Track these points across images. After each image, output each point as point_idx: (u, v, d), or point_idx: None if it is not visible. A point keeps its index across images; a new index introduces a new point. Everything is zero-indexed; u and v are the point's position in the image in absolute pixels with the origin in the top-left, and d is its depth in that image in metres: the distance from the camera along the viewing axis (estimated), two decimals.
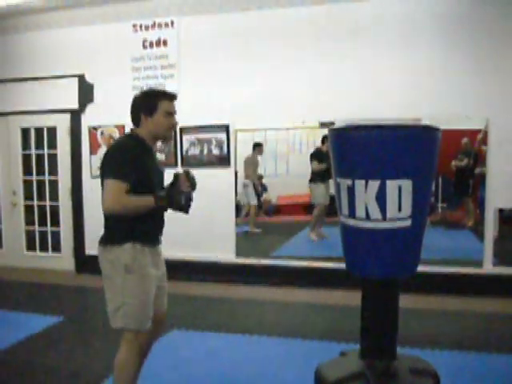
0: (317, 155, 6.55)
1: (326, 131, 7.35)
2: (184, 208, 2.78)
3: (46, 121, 7.04)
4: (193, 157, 6.40)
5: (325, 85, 5.91)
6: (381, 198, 2.41)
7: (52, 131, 7.08)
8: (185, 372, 3.70)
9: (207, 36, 6.26)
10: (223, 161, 6.30)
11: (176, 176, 2.77)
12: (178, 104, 6.61)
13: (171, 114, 2.78)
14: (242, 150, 6.52)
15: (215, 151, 6.33)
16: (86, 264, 6.97)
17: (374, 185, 2.40)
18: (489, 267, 5.65)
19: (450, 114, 5.50)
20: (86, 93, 6.77)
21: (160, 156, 6.49)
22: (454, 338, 4.32)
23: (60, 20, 6.73)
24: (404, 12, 5.69)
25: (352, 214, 2.51)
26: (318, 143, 6.65)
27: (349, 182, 2.49)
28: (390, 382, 2.57)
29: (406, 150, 2.42)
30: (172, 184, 2.78)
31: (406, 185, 2.40)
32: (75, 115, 6.86)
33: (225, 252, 6.37)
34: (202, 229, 6.27)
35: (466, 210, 6.51)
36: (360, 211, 2.47)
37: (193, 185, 2.82)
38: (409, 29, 5.65)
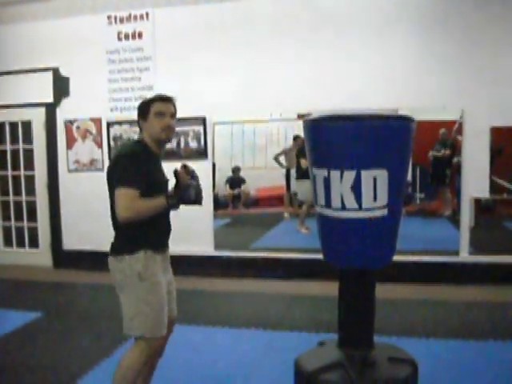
0: (304, 152, 6.54)
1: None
2: (197, 200, 2.79)
3: (20, 115, 6.95)
4: (170, 149, 6.35)
5: (302, 77, 5.91)
6: (356, 188, 2.41)
7: (27, 125, 6.99)
8: (164, 365, 3.69)
9: (183, 28, 6.22)
10: (200, 153, 6.28)
11: (175, 172, 2.75)
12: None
13: (163, 114, 2.76)
14: (219, 143, 6.50)
15: (192, 144, 6.31)
16: (63, 259, 6.94)
17: (350, 175, 2.41)
18: (465, 256, 5.71)
19: (426, 104, 5.54)
20: (61, 86, 6.69)
21: None
22: (431, 327, 4.37)
23: (34, 12, 6.64)
24: (380, 3, 5.71)
25: (328, 204, 2.51)
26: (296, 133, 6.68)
27: (324, 172, 2.49)
28: (368, 371, 2.58)
29: (380, 140, 2.42)
30: (176, 182, 2.77)
31: (382, 175, 2.40)
32: (50, 109, 6.79)
33: (203, 245, 6.36)
34: (180, 222, 6.19)
35: (443, 199, 6.57)
36: (336, 201, 2.47)
37: (194, 177, 2.82)
38: (384, 20, 5.68)
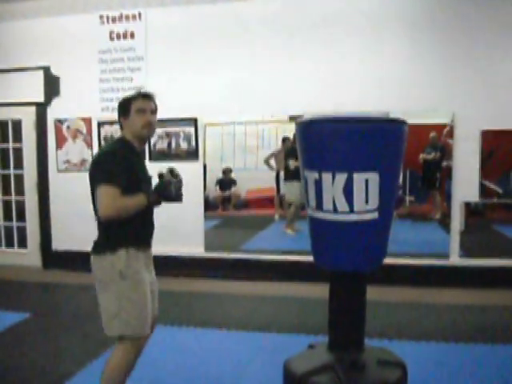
0: (293, 153, 6.54)
1: (294, 125, 7.38)
2: (176, 197, 2.76)
3: (10, 114, 6.91)
4: (161, 150, 6.34)
5: (294, 79, 5.91)
6: (348, 191, 2.41)
7: (17, 124, 6.95)
8: (153, 367, 3.67)
9: (175, 28, 6.21)
10: (191, 154, 6.27)
11: (160, 175, 2.76)
12: None
13: (144, 110, 2.75)
14: (210, 144, 6.48)
15: (183, 145, 6.29)
16: (53, 260, 6.90)
17: (341, 178, 2.41)
18: (455, 259, 5.73)
19: (416, 108, 5.55)
20: (51, 85, 6.65)
21: None
22: (421, 330, 4.38)
23: (25, 10, 6.60)
24: (371, 6, 5.73)
25: (319, 206, 2.52)
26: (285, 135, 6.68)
27: (316, 174, 2.49)
28: (358, 374, 2.58)
29: (373, 143, 2.43)
30: (159, 180, 2.77)
31: (373, 177, 2.41)
32: (41, 108, 6.75)
33: (193, 246, 6.34)
34: (171, 223, 6.20)
35: (433, 202, 6.58)
36: (327, 204, 2.47)
37: (175, 175, 2.79)
38: (376, 23, 5.69)
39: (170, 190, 2.71)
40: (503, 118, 5.48)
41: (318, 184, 2.49)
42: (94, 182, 2.63)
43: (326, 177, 2.45)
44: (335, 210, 2.46)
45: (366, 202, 2.43)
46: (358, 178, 2.40)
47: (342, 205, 2.44)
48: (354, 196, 2.41)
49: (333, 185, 2.43)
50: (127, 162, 2.67)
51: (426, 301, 5.21)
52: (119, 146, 2.76)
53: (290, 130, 7.14)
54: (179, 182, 2.77)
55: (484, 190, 5.73)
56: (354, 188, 2.41)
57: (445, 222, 6.02)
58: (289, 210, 6.86)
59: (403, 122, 2.53)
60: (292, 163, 6.52)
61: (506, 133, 5.58)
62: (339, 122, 2.51)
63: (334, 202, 2.45)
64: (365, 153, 2.43)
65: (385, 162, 2.47)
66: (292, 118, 6.84)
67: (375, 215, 2.46)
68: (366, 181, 2.40)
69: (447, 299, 5.25)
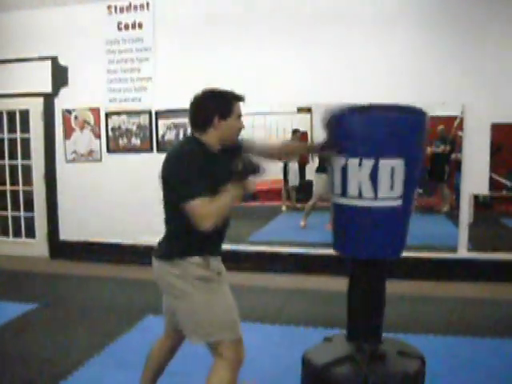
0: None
1: (303, 116, 7.37)
2: (256, 169, 2.52)
3: (18, 104, 6.90)
4: (169, 141, 6.33)
5: (302, 70, 5.87)
6: (374, 177, 2.46)
7: (25, 115, 6.95)
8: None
9: (183, 19, 6.17)
10: None
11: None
12: (153, 88, 6.53)
13: (241, 116, 2.63)
14: None
15: None
16: (60, 250, 6.92)
17: (368, 163, 2.46)
18: (463, 252, 5.70)
19: (426, 100, 5.49)
20: (59, 76, 6.64)
21: (135, 141, 6.43)
22: (429, 323, 4.36)
23: (33, 0, 6.57)
24: (380, 1, 5.67)
25: (344, 192, 2.56)
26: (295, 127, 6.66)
27: (343, 160, 2.54)
28: (378, 365, 2.58)
29: (399, 131, 2.50)
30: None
31: (399, 164, 2.46)
32: (48, 99, 6.74)
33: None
34: None
35: (441, 195, 6.55)
36: (352, 190, 2.52)
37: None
38: (385, 15, 5.64)
39: (247, 165, 2.49)
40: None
41: (344, 170, 2.53)
42: (169, 185, 2.47)
43: (353, 162, 2.49)
44: (360, 196, 2.50)
45: (392, 188, 2.48)
46: (385, 164, 2.45)
47: (368, 191, 2.48)
48: (380, 182, 2.46)
49: (360, 171, 2.48)
50: (207, 168, 2.43)
51: (433, 294, 5.20)
52: (197, 149, 2.50)
53: (299, 122, 7.14)
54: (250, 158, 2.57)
55: (493, 183, 5.69)
56: (380, 174, 2.45)
57: (452, 215, 6.00)
58: (307, 204, 6.88)
59: (426, 113, 2.61)
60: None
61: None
62: (367, 111, 2.59)
63: (359, 187, 2.49)
64: (391, 140, 2.50)
65: (410, 150, 2.54)
66: (300, 109, 6.82)
67: (399, 202, 2.51)
68: (392, 168, 2.46)
69: (455, 292, 5.23)
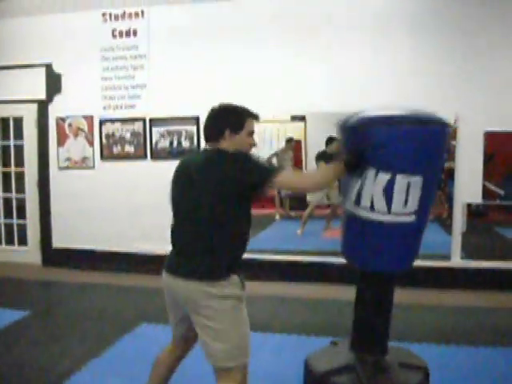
0: (323, 156, 6.66)
1: (297, 125, 7.38)
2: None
3: (12, 111, 6.89)
4: (162, 149, 6.33)
5: (296, 78, 5.88)
6: (389, 191, 2.40)
7: (18, 122, 6.93)
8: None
9: (178, 27, 6.18)
10: None
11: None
12: (147, 95, 6.53)
13: (253, 133, 2.65)
14: None
15: (185, 143, 6.27)
16: (53, 257, 6.88)
17: (384, 177, 2.39)
18: (457, 261, 5.71)
19: (419, 108, 5.52)
20: (53, 83, 6.63)
21: (129, 148, 6.43)
22: (422, 331, 4.36)
23: (27, 7, 6.59)
24: (373, 6, 5.70)
25: (357, 203, 2.50)
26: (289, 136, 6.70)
27: (359, 170, 2.47)
28: (379, 377, 2.57)
29: (421, 145, 2.40)
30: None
31: (417, 181, 2.39)
32: (42, 105, 6.73)
33: None
34: (169, 221, 6.20)
35: (434, 204, 6.57)
36: (365, 201, 2.46)
37: None
38: (378, 23, 5.67)
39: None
40: (507, 120, 5.46)
41: (360, 180, 2.46)
42: (247, 181, 2.42)
43: (370, 174, 2.42)
44: (372, 208, 2.44)
45: (406, 204, 2.41)
46: (401, 179, 2.38)
47: (381, 204, 2.42)
48: (394, 197, 2.40)
49: (374, 183, 2.41)
50: None
51: (426, 302, 5.20)
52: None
53: (292, 130, 7.16)
54: None
55: (486, 192, 5.71)
56: (395, 189, 2.39)
57: (446, 223, 6.01)
58: (304, 212, 6.90)
59: (447, 124, 2.49)
60: (321, 165, 6.61)
61: (509, 135, 5.57)
62: (389, 123, 2.45)
63: (372, 199, 2.43)
64: (412, 156, 2.41)
65: (430, 166, 2.46)
66: (294, 118, 6.84)
67: (412, 218, 2.45)
68: (409, 183, 2.38)
69: (448, 301, 5.24)
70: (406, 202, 2.40)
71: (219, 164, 2.46)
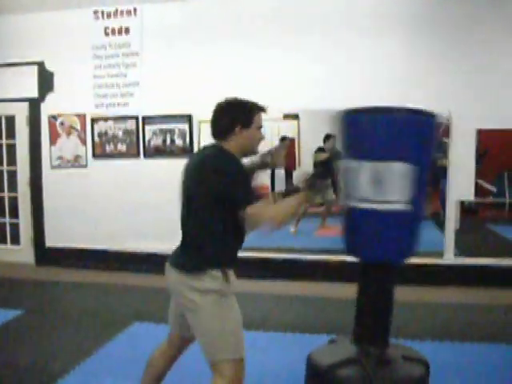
0: (320, 151, 6.80)
1: (290, 123, 7.39)
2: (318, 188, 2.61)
3: (3, 110, 6.86)
4: (155, 147, 6.32)
5: (289, 76, 5.88)
6: (380, 180, 2.44)
7: (10, 120, 6.90)
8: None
9: (170, 24, 6.16)
10: (186, 151, 6.22)
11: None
12: (140, 93, 6.51)
13: (261, 127, 2.63)
14: (205, 141, 6.42)
15: (178, 141, 6.26)
16: (45, 256, 6.86)
17: (375, 166, 2.44)
18: (450, 258, 5.73)
19: (412, 106, 5.52)
20: (45, 81, 6.60)
21: (121, 146, 6.41)
22: (415, 328, 4.37)
23: (19, 5, 6.54)
24: (368, 5, 5.70)
25: (350, 195, 2.55)
26: (283, 134, 6.70)
27: (351, 163, 2.53)
28: (384, 369, 2.57)
29: (406, 133, 2.49)
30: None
31: (406, 168, 2.43)
32: (34, 104, 6.70)
33: None
34: (165, 220, 6.17)
35: (428, 201, 6.58)
36: (360, 192, 2.50)
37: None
38: (372, 22, 5.66)
39: (314, 181, 2.57)
40: (499, 118, 5.47)
41: (352, 172, 2.52)
42: (203, 195, 2.43)
43: (360, 165, 2.48)
44: (365, 199, 2.48)
45: (398, 192, 2.45)
46: (391, 167, 2.43)
47: (373, 193, 2.46)
48: (387, 185, 2.44)
49: (364, 173, 2.46)
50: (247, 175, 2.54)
51: (419, 299, 5.20)
52: (233, 156, 2.50)
53: (286, 128, 7.17)
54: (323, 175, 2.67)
55: (479, 189, 5.73)
56: (385, 177, 2.43)
57: (438, 221, 6.02)
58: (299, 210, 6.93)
59: (435, 115, 2.58)
60: (317, 156, 6.88)
61: (501, 132, 5.59)
62: (376, 112, 2.57)
63: (364, 190, 2.48)
64: (397, 143, 2.48)
65: (418, 153, 2.50)
66: (286, 116, 6.84)
67: (406, 206, 2.48)
68: (399, 171, 2.43)
69: (441, 298, 5.25)
70: (398, 189, 2.45)
71: (204, 170, 2.46)
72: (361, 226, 2.62)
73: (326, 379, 2.57)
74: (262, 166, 3.12)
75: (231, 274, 2.55)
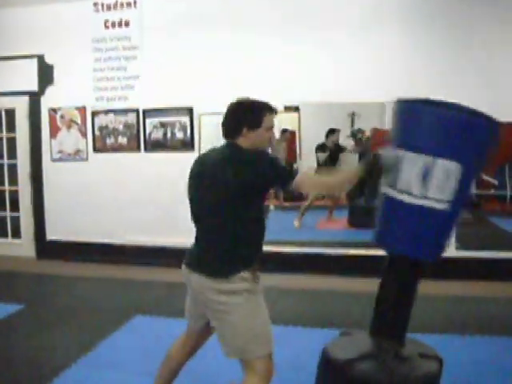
0: (321, 148, 6.87)
1: (291, 115, 7.37)
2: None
3: (4, 103, 6.83)
4: (156, 140, 6.30)
5: (290, 68, 5.85)
6: (426, 175, 2.39)
7: (11, 114, 6.88)
8: (147, 358, 3.65)
9: (171, 17, 6.13)
10: (187, 145, 6.21)
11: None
12: (140, 86, 6.48)
13: (272, 128, 2.61)
14: (206, 134, 6.42)
15: (179, 135, 6.24)
16: (46, 250, 6.86)
17: (425, 160, 2.39)
18: (451, 251, 5.70)
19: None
20: (45, 74, 6.58)
21: (122, 140, 6.39)
22: (416, 321, 4.32)
23: None
24: (364, 3, 5.69)
25: (396, 185, 2.49)
26: (283, 127, 6.70)
27: (404, 153, 2.46)
28: (403, 365, 2.57)
29: (469, 135, 2.41)
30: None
31: (456, 169, 2.38)
32: (35, 97, 6.68)
33: (189, 237, 6.30)
34: (165, 213, 6.19)
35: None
36: (403, 184, 2.46)
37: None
38: (372, 16, 5.64)
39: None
40: (499, 111, 5.40)
41: (401, 162, 2.46)
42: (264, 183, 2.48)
43: (410, 156, 2.43)
44: (408, 192, 2.44)
45: (442, 191, 2.41)
46: (441, 164, 2.38)
47: (417, 188, 2.42)
48: (431, 182, 2.39)
49: (416, 166, 2.41)
50: None
51: (421, 292, 5.17)
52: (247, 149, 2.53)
53: (286, 121, 7.15)
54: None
55: (481, 182, 5.71)
56: (433, 174, 2.38)
57: None
58: (303, 203, 6.93)
59: (498, 122, 2.51)
60: (320, 155, 6.89)
61: (501, 126, 5.56)
62: (440, 106, 2.49)
63: (409, 182, 2.43)
64: (456, 142, 2.41)
65: (472, 156, 2.45)
66: (287, 108, 6.82)
67: (447, 206, 2.43)
68: (448, 170, 2.38)
69: (443, 291, 5.23)
70: (442, 188, 2.40)
71: (234, 164, 2.46)
72: (397, 218, 2.58)
73: (344, 374, 2.53)
74: None
75: (259, 273, 2.57)
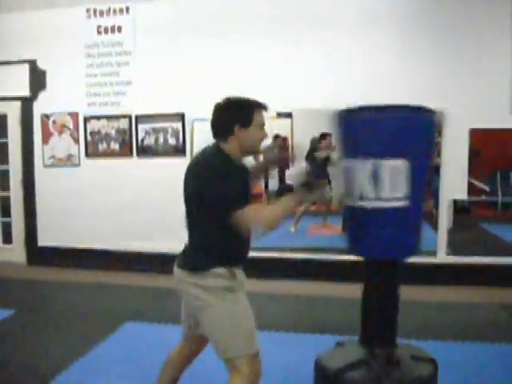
0: (310, 156, 6.87)
1: (283, 121, 7.38)
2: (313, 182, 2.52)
3: None
4: (148, 146, 6.30)
5: (282, 75, 5.88)
6: (376, 177, 2.45)
7: (2, 119, 6.86)
8: (138, 365, 3.64)
9: (163, 23, 6.15)
10: (179, 150, 6.21)
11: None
12: (133, 92, 6.49)
13: (264, 125, 2.57)
14: (198, 140, 6.41)
15: (171, 141, 6.24)
16: (38, 256, 6.83)
17: (370, 164, 2.45)
18: (442, 257, 5.73)
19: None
20: (38, 80, 6.57)
21: (114, 145, 6.39)
22: (407, 327, 4.34)
23: (11, 3, 6.51)
24: (361, 3, 5.71)
25: (353, 193, 2.55)
26: (276, 133, 6.70)
27: (347, 161, 2.56)
28: (393, 370, 2.57)
29: (402, 130, 2.48)
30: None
31: (402, 165, 2.44)
32: (27, 103, 6.67)
33: (181, 243, 6.28)
34: (157, 219, 6.18)
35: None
36: (356, 191, 2.52)
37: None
38: (365, 20, 5.67)
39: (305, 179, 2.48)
40: (492, 117, 5.48)
41: (351, 171, 2.54)
42: (198, 200, 2.43)
43: (359, 163, 2.49)
44: (364, 197, 2.50)
45: (395, 189, 2.46)
46: (388, 164, 2.44)
47: (370, 191, 2.47)
48: (382, 183, 2.45)
49: (365, 171, 2.47)
50: (238, 181, 2.44)
51: (412, 298, 5.19)
52: (225, 158, 2.48)
53: (278, 126, 7.16)
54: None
55: (471, 189, 5.74)
56: (381, 174, 2.44)
57: (431, 220, 6.03)
58: (298, 208, 6.94)
59: (433, 112, 2.60)
60: (309, 165, 6.81)
61: (493, 131, 5.60)
62: (375, 110, 2.58)
63: (362, 188, 2.49)
64: (394, 140, 2.48)
65: (415, 150, 2.50)
66: (279, 115, 6.82)
67: (405, 203, 2.48)
68: (396, 168, 2.44)
69: (434, 297, 5.26)
70: (395, 186, 2.45)
71: (193, 173, 2.49)
72: (361, 224, 2.62)
73: (335, 383, 2.56)
74: (263, 166, 3.11)
75: (238, 271, 2.55)
